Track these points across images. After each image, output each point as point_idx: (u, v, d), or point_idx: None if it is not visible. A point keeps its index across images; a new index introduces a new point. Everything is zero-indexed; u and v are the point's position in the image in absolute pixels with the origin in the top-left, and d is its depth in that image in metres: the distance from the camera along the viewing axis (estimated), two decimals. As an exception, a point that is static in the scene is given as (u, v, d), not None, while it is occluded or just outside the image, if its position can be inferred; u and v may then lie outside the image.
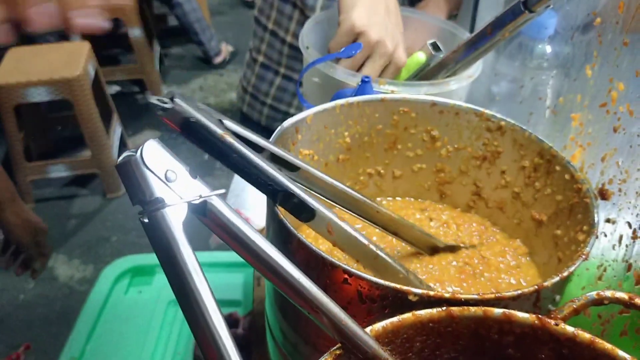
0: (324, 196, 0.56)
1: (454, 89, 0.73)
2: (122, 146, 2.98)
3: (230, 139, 0.44)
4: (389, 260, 0.52)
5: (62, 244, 2.51)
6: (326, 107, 0.62)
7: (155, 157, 0.30)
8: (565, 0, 0.56)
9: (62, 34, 3.35)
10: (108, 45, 3.69)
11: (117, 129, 2.90)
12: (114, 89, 3.50)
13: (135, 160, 0.29)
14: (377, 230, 0.61)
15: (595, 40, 0.55)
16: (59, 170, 2.61)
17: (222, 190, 0.32)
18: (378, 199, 0.71)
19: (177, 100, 0.41)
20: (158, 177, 0.30)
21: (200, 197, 0.31)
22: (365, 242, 0.52)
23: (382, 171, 0.70)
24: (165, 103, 0.41)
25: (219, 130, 0.44)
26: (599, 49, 0.55)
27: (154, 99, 0.41)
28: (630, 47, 0.51)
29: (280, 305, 0.54)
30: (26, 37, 3.19)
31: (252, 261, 0.35)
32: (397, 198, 0.72)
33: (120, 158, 0.30)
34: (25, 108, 2.59)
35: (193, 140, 0.44)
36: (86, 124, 2.55)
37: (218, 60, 3.80)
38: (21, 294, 2.28)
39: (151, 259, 1.75)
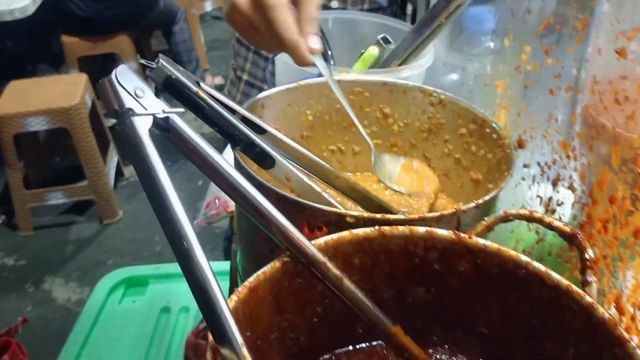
0: (288, 159, 0.65)
1: (408, 76, 0.82)
2: (118, 174, 3.07)
3: (203, 94, 0.53)
4: (340, 207, 0.60)
5: (59, 269, 2.57)
6: (289, 86, 0.71)
7: (127, 78, 0.39)
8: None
9: (59, 68, 3.48)
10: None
11: (113, 158, 3.00)
12: (111, 121, 3.61)
13: (110, 79, 0.38)
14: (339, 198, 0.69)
15: (509, 15, 0.64)
16: (56, 198, 2.70)
17: (182, 110, 0.41)
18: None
19: (161, 62, 0.50)
20: (128, 93, 0.38)
21: (164, 112, 0.40)
22: (319, 189, 0.60)
23: (343, 148, 0.78)
24: (152, 64, 0.50)
25: (195, 88, 0.53)
26: (513, 21, 0.65)
27: (143, 61, 0.50)
28: (533, 14, 0.60)
29: (244, 243, 0.62)
30: (26, 70, 3.31)
31: (211, 174, 0.44)
32: (357, 173, 0.80)
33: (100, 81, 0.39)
34: (24, 138, 2.69)
35: (173, 96, 0.53)
36: (83, 152, 2.65)
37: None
38: (19, 316, 2.33)
39: (145, 270, 1.82)
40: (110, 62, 3.99)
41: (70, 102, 2.56)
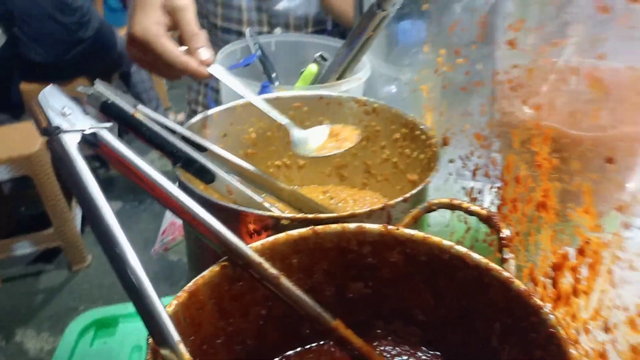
0: (232, 174, 0.67)
1: (347, 89, 0.86)
2: (85, 219, 3.05)
3: (140, 116, 0.56)
4: (276, 212, 0.63)
5: (30, 319, 2.52)
6: (228, 106, 0.75)
7: (54, 98, 0.41)
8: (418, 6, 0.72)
9: (20, 117, 3.46)
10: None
11: (79, 202, 2.98)
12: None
13: (38, 99, 0.41)
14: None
15: (431, 25, 0.69)
16: (23, 247, 2.66)
17: (110, 124, 0.43)
18: (288, 188, 0.83)
19: (97, 87, 0.53)
20: (56, 111, 0.41)
21: (91, 127, 0.42)
22: (260, 199, 0.63)
23: (288, 162, 0.81)
24: (90, 90, 0.53)
25: (131, 110, 0.56)
26: (430, 29, 0.70)
27: (80, 88, 0.53)
28: (445, 20, 0.65)
29: (193, 261, 0.64)
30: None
31: (143, 185, 0.46)
32: (304, 186, 0.83)
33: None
34: (-14, 189, 2.66)
35: (113, 119, 0.56)
36: (48, 199, 2.63)
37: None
38: (-10, 371, 2.28)
39: (114, 310, 1.80)
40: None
41: (31, 150, 2.55)
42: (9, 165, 2.51)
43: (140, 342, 1.66)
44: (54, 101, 0.41)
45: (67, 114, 0.41)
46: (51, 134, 0.41)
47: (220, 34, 1.34)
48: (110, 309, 1.88)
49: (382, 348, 0.59)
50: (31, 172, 2.56)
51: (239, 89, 0.71)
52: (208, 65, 0.69)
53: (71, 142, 0.41)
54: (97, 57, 3.45)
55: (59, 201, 2.67)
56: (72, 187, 0.41)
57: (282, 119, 0.70)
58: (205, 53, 0.69)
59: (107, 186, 3.48)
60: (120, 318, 1.83)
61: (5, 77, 3.59)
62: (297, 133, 0.70)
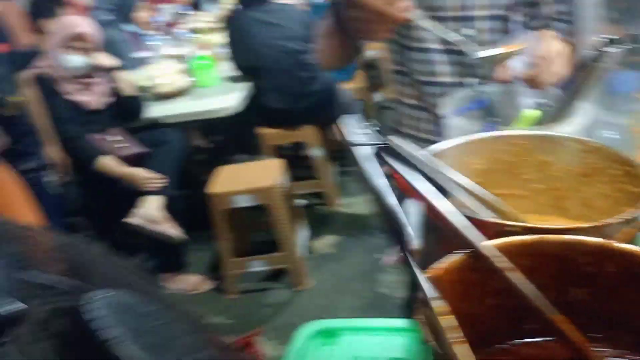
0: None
1: (567, 132, 0.97)
2: (306, 247, 3.43)
3: (392, 145, 0.75)
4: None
5: (259, 327, 2.92)
6: (460, 141, 0.91)
7: (353, 122, 0.62)
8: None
9: (254, 156, 4.00)
10: (295, 164, 4.30)
11: (303, 232, 3.38)
12: (301, 202, 4.03)
13: (340, 122, 0.62)
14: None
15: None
16: (257, 265, 3.11)
17: (385, 143, 0.62)
18: (508, 215, 0.95)
19: (371, 130, 0.74)
20: (354, 131, 0.61)
21: (375, 144, 0.62)
22: (485, 213, 0.77)
23: (508, 192, 0.94)
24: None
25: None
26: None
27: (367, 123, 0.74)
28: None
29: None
30: (228, 160, 3.87)
31: (409, 194, 0.64)
32: (525, 214, 0.95)
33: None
34: (231, 213, 3.17)
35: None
36: (278, 226, 3.04)
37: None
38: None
39: (336, 323, 2.04)
40: (300, 149, 4.49)
41: (269, 183, 2.99)
42: (252, 195, 2.98)
43: (360, 353, 1.86)
44: (353, 124, 0.62)
45: (361, 132, 0.62)
46: (348, 145, 0.61)
47: (422, 87, 1.51)
48: (332, 321, 2.13)
49: (598, 350, 0.67)
50: (268, 202, 3.00)
51: (437, 30, 0.93)
52: (406, 11, 0.92)
53: (364, 151, 0.61)
54: (322, 107, 3.88)
55: (287, 229, 3.07)
56: (362, 175, 0.61)
57: (453, 37, 0.91)
58: (403, 2, 0.92)
59: (325, 222, 3.87)
60: (341, 331, 2.06)
61: (248, 121, 4.22)
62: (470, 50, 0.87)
